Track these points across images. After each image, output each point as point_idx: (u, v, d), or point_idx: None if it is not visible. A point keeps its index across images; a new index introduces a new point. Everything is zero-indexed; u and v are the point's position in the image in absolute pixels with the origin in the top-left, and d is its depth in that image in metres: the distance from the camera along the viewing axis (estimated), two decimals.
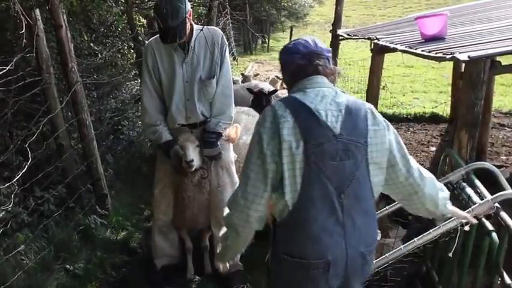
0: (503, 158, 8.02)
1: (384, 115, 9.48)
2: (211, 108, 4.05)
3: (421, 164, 7.40)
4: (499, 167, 6.33)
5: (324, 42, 2.64)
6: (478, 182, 3.42)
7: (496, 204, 2.96)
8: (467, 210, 3.01)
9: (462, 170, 3.56)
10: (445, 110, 10.44)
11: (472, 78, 4.08)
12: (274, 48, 25.60)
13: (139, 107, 7.39)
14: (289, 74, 2.55)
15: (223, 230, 2.86)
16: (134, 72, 7.83)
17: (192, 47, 3.90)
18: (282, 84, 8.97)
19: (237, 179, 4.29)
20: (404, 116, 10.37)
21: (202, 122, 4.07)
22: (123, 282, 4.38)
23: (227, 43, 4.05)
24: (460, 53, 4.23)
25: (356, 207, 2.34)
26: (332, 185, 2.29)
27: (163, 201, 4.30)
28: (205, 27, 4.02)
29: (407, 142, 8.87)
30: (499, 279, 2.88)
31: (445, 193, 2.64)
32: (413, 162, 2.50)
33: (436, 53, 4.75)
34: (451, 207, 2.66)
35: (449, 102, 10.46)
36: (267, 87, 8.19)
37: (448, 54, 4.37)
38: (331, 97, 2.38)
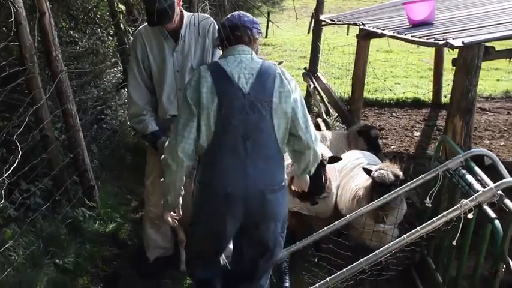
0: (487, 142, 8.08)
1: (367, 100, 9.55)
2: None
3: (406, 150, 7.51)
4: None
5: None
6: (478, 169, 3.40)
7: (500, 192, 2.94)
8: (470, 198, 2.99)
9: (461, 157, 3.54)
10: (427, 94, 10.48)
11: (466, 64, 4.07)
12: None
13: (122, 95, 7.36)
14: (220, 44, 3.10)
15: None
16: (114, 60, 7.66)
17: (182, 35, 3.80)
18: None
19: None
20: (387, 101, 10.37)
21: None
22: (115, 276, 4.31)
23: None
24: (453, 38, 4.21)
25: (258, 152, 2.94)
26: (239, 133, 2.89)
27: (154, 193, 4.21)
28: (195, 14, 3.92)
29: (392, 128, 8.89)
30: (504, 266, 2.87)
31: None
32: (311, 125, 3.04)
33: (427, 39, 4.72)
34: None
35: (431, 87, 10.54)
36: None
37: (440, 40, 4.34)
38: (247, 63, 2.95)
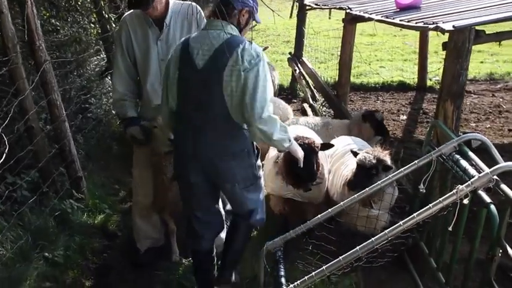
0: (473, 124, 8.11)
1: (352, 85, 9.51)
2: None
3: (393, 134, 7.49)
4: (466, 133, 6.35)
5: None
6: (472, 154, 3.39)
7: (495, 177, 2.93)
8: (466, 183, 2.97)
9: (454, 142, 3.52)
10: (412, 78, 10.48)
11: (457, 48, 4.03)
12: None
13: (106, 83, 7.23)
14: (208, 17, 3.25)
15: None
16: (97, 48, 7.52)
17: (167, 24, 3.73)
18: None
19: None
20: (373, 85, 10.35)
21: None
22: (106, 268, 4.27)
23: (205, 20, 3.75)
24: (443, 22, 4.18)
25: (208, 124, 3.18)
26: (192, 105, 3.19)
27: (142, 183, 4.17)
28: (181, 2, 3.84)
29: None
30: (500, 251, 2.86)
31: (284, 137, 3.27)
32: (263, 103, 3.08)
33: (416, 23, 4.69)
34: (290, 147, 3.40)
35: (416, 70, 10.54)
36: None
37: (430, 24, 4.32)
38: (211, 38, 3.11)
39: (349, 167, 4.37)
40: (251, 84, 3.06)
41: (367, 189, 3.66)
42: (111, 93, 7.22)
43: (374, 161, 4.02)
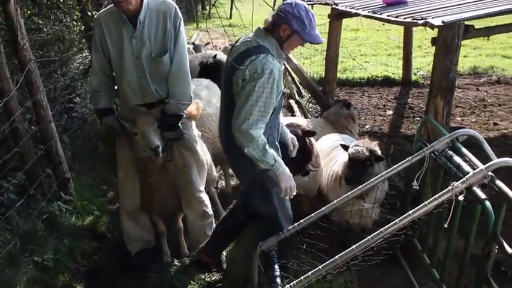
0: (458, 119, 8.15)
1: (338, 80, 9.50)
2: (168, 87, 3.80)
3: (380, 129, 7.50)
4: (455, 128, 6.37)
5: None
6: (465, 150, 3.38)
7: (490, 173, 2.92)
8: (461, 180, 2.96)
9: (447, 138, 3.51)
10: (397, 72, 10.51)
11: (446, 44, 4.02)
12: (214, 15, 25.06)
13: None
14: None
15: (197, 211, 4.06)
16: (80, 46, 7.40)
17: (141, 21, 3.62)
18: None
19: (202, 158, 4.16)
20: (358, 80, 10.37)
21: (160, 101, 3.83)
22: (97, 271, 4.21)
23: (181, 16, 3.74)
24: (432, 17, 4.17)
25: (228, 116, 3.31)
26: (222, 97, 3.56)
27: (128, 186, 4.11)
28: None
29: (364, 107, 8.89)
30: (497, 247, 2.86)
31: (260, 158, 3.23)
32: (248, 117, 3.15)
33: (404, 18, 4.69)
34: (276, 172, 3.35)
35: (400, 64, 10.58)
36: (221, 56, 7.98)
37: (418, 19, 4.31)
38: (243, 44, 3.32)
39: (339, 161, 4.38)
40: (244, 95, 3.18)
41: (361, 186, 3.64)
42: None
43: (367, 153, 4.04)
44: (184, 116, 3.88)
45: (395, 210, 4.81)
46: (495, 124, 7.88)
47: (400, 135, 7.51)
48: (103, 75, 3.83)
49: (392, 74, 10.53)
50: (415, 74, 10.35)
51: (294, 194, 3.50)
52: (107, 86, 3.88)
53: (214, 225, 4.26)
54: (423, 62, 11.37)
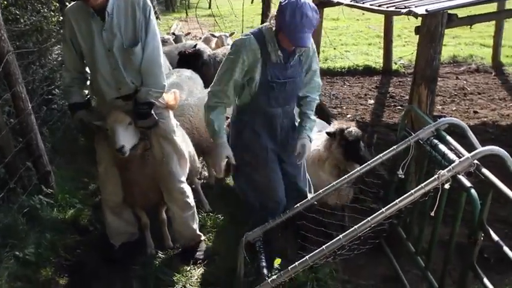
0: (439, 107, 8.20)
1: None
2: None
3: (361, 118, 7.53)
4: (437, 116, 6.43)
5: None
6: (450, 139, 3.39)
7: (476, 161, 2.93)
8: (447, 168, 2.97)
9: (432, 127, 3.51)
10: (377, 61, 10.54)
11: (430, 32, 4.04)
12: (193, 4, 24.86)
13: None
14: None
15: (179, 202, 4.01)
16: (59, 37, 7.28)
17: (109, 13, 3.55)
18: (216, 43, 8.67)
19: (181, 148, 4.10)
20: (339, 69, 10.37)
21: (136, 92, 3.75)
22: (80, 265, 4.15)
23: (151, 5, 3.68)
24: (415, 6, 4.17)
25: None
26: None
27: (109, 181, 4.05)
28: None
29: (345, 96, 8.91)
30: (482, 235, 2.87)
31: None
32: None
33: (387, 7, 4.68)
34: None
35: (380, 54, 10.62)
36: (202, 47, 7.92)
37: (402, 8, 4.31)
38: None
39: (314, 144, 4.39)
40: None
41: (352, 172, 3.63)
42: None
43: (360, 131, 4.14)
44: (161, 105, 3.86)
45: (378, 198, 4.84)
46: (475, 112, 7.95)
47: (381, 124, 7.53)
48: (75, 71, 3.78)
49: (373, 63, 10.55)
50: (396, 63, 10.39)
51: (219, 175, 3.84)
52: (79, 81, 3.83)
53: (196, 216, 4.26)
54: (403, 51, 11.42)
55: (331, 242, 3.02)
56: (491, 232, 2.80)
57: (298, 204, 3.62)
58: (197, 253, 4.19)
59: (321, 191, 3.61)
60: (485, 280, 2.84)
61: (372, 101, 8.61)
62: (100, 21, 3.55)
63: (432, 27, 3.99)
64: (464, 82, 9.56)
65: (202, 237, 4.32)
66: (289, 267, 3.06)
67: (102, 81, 3.68)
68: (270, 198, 3.82)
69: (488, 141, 6.09)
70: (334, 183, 3.62)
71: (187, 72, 5.97)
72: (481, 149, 2.96)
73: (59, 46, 7.34)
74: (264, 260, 3.71)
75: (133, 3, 3.57)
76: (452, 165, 2.96)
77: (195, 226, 4.24)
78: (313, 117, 3.76)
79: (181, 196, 4.10)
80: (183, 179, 4.14)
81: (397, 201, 2.99)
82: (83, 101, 3.88)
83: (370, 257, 4.16)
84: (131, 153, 3.71)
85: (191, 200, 4.19)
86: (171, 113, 4.05)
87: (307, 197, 3.77)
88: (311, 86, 3.71)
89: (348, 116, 7.84)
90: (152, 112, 3.76)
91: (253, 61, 3.43)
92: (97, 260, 4.18)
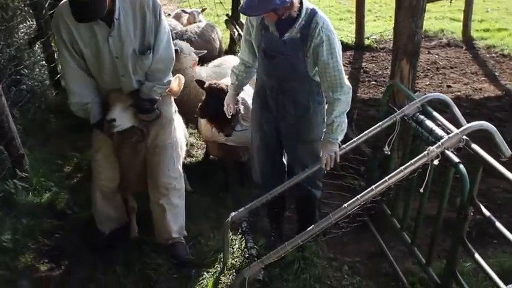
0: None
1: None
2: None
3: None
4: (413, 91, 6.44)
5: None
6: (437, 114, 3.37)
7: (465, 137, 2.92)
8: (436, 144, 2.96)
9: (418, 103, 3.50)
10: (349, 36, 10.50)
11: (411, 7, 3.98)
12: None
13: (36, 52, 6.78)
14: None
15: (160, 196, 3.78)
16: (23, 14, 7.02)
17: (117, 18, 3.25)
18: (188, 19, 8.49)
19: (177, 140, 3.88)
20: None
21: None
22: (60, 250, 4.03)
23: (159, 3, 3.41)
24: None
25: None
26: None
27: (105, 167, 3.83)
28: None
29: None
30: (472, 210, 2.88)
31: None
32: None
33: None
34: None
35: (352, 29, 10.58)
36: (173, 23, 7.75)
37: None
38: None
39: None
40: None
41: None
42: (43, 62, 6.83)
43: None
44: (164, 92, 3.66)
45: (360, 175, 4.84)
46: (448, 87, 8.01)
47: (357, 99, 7.51)
48: (84, 73, 3.47)
49: (346, 38, 10.50)
50: (368, 38, 10.37)
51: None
52: (92, 91, 3.53)
53: (180, 219, 3.97)
54: (374, 25, 11.40)
55: (321, 220, 3.00)
56: (482, 207, 2.80)
57: (285, 183, 3.58)
58: (177, 250, 3.87)
59: (308, 168, 3.56)
60: (477, 255, 2.86)
61: (346, 77, 8.56)
62: (106, 26, 3.26)
63: (414, 2, 3.93)
64: (436, 56, 9.60)
65: (182, 241, 3.95)
66: (279, 247, 3.03)
67: (106, 85, 3.52)
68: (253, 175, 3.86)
69: (463, 116, 6.13)
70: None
71: None
72: (470, 124, 2.96)
73: (25, 25, 7.11)
74: (251, 240, 3.69)
75: (142, 5, 3.30)
76: (442, 141, 2.95)
77: (175, 228, 3.91)
78: (333, 119, 3.36)
79: (165, 192, 3.83)
80: (175, 174, 3.86)
81: (386, 178, 2.98)
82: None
83: (354, 234, 4.18)
84: (125, 137, 3.60)
85: (176, 199, 3.90)
86: (172, 99, 3.87)
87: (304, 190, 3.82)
88: (327, 82, 3.37)
89: None
90: (155, 107, 3.59)
91: (256, 25, 3.47)
92: (77, 245, 4.07)
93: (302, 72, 3.41)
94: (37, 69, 6.68)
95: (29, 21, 7.11)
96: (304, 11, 3.27)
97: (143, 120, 3.60)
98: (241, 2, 9.70)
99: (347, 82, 3.40)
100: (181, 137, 4.08)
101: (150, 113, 3.58)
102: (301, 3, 3.26)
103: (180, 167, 3.94)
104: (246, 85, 3.96)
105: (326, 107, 3.51)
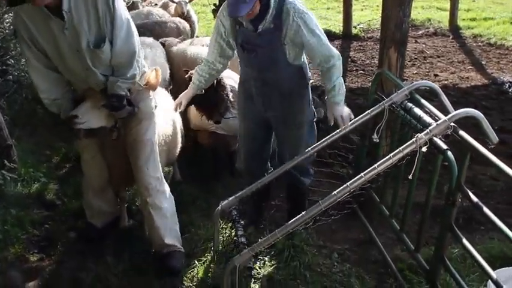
0: None
1: None
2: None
3: (324, 83, 7.49)
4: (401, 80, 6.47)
5: None
6: (425, 102, 3.40)
7: (452, 124, 2.95)
8: (425, 131, 2.98)
9: (406, 90, 3.52)
10: (336, 25, 10.52)
11: None
12: None
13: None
14: None
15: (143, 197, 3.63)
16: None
17: (66, 11, 3.08)
18: (175, 9, 8.43)
19: (155, 136, 3.68)
20: None
21: None
22: (49, 240, 4.01)
23: None
24: None
25: None
26: None
27: (95, 166, 3.78)
28: None
29: (307, 61, 8.85)
30: (460, 197, 2.91)
31: None
32: None
33: None
34: None
35: (339, 18, 10.60)
36: (160, 13, 7.71)
37: None
38: None
39: None
40: None
41: (330, 135, 3.60)
42: None
43: None
44: (139, 87, 3.51)
45: (348, 163, 4.87)
46: (435, 75, 8.07)
47: (345, 88, 7.52)
48: (49, 70, 3.31)
49: (333, 27, 10.52)
50: (355, 28, 10.39)
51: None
52: (61, 86, 3.39)
53: (171, 224, 3.76)
54: (362, 15, 11.44)
55: (311, 207, 3.01)
56: (470, 193, 2.84)
57: (274, 171, 3.59)
58: (171, 263, 3.63)
59: (296, 157, 3.58)
60: (464, 240, 2.89)
61: None
62: (60, 21, 3.10)
63: None
64: (423, 46, 9.66)
65: (178, 248, 3.72)
66: (269, 235, 3.04)
67: (75, 80, 3.40)
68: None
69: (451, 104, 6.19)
70: (309, 148, 3.60)
71: (148, 40, 5.79)
72: (458, 111, 2.98)
73: (10, 14, 7.04)
74: (241, 229, 3.71)
75: None
76: (430, 128, 2.98)
77: (167, 233, 3.69)
78: (334, 84, 3.53)
79: (147, 193, 3.62)
80: (156, 174, 3.66)
81: (375, 165, 2.99)
82: None
83: (343, 222, 4.21)
84: (98, 136, 3.51)
85: (163, 203, 3.70)
86: (151, 93, 3.68)
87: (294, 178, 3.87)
88: (318, 58, 3.43)
89: (311, 81, 7.79)
90: (124, 103, 3.39)
91: (229, 23, 3.50)
92: (67, 235, 4.06)
93: (282, 61, 3.46)
94: (23, 60, 6.61)
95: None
96: (272, 1, 3.30)
97: (118, 117, 3.45)
98: None
99: (334, 49, 3.49)
100: (167, 132, 3.98)
101: (121, 109, 3.39)
102: None
103: (158, 168, 3.71)
104: (207, 87, 3.90)
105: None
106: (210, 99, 4.01)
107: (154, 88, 3.65)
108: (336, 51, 3.46)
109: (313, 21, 3.39)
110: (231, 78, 4.41)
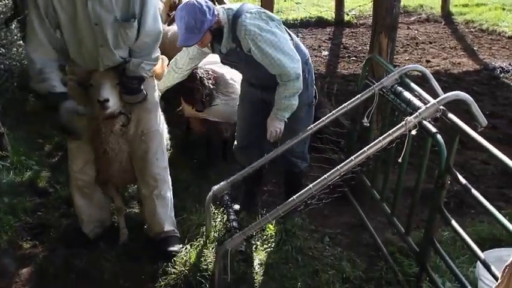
0: None
1: None
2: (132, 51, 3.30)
3: (317, 69, 7.53)
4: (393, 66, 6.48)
5: None
6: (415, 86, 3.41)
7: (442, 107, 2.97)
8: (414, 115, 3.00)
9: (396, 74, 3.53)
10: (329, 13, 10.50)
11: None
12: None
13: (13, 31, 6.68)
14: None
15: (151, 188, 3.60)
16: None
17: None
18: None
19: (162, 126, 3.69)
20: (291, 21, 10.26)
21: (120, 64, 3.29)
22: (42, 227, 4.02)
23: None
24: None
25: None
26: None
27: (80, 158, 3.55)
28: None
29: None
30: (449, 179, 2.94)
31: None
32: None
33: None
34: None
35: (331, 5, 10.58)
36: None
37: None
38: None
39: None
40: None
41: (320, 121, 3.61)
42: (20, 42, 6.73)
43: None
44: (148, 74, 3.42)
45: (340, 149, 4.89)
46: (427, 61, 8.09)
47: (337, 75, 7.56)
48: (50, 46, 3.12)
49: (325, 14, 10.50)
50: (348, 14, 10.38)
51: None
52: (54, 61, 3.18)
53: (170, 212, 3.79)
54: (354, 1, 11.40)
55: (301, 191, 3.03)
56: (459, 175, 2.86)
57: (266, 156, 3.60)
58: (169, 247, 3.63)
59: (288, 140, 3.60)
60: (453, 222, 2.92)
61: (326, 53, 8.61)
62: None
63: None
64: (416, 32, 9.67)
65: (176, 234, 3.76)
66: (260, 219, 3.06)
67: (84, 58, 3.23)
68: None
69: (442, 90, 6.20)
70: (301, 133, 3.61)
71: None
72: (446, 95, 3.00)
73: (0, 3, 6.99)
74: (232, 213, 3.72)
75: None
76: (419, 111, 2.99)
77: (167, 221, 3.73)
78: (282, 101, 3.46)
79: (155, 183, 3.62)
80: (164, 164, 3.67)
81: (365, 148, 3.01)
82: (65, 90, 3.23)
83: (334, 206, 4.24)
84: (108, 126, 3.37)
85: (167, 192, 3.72)
86: (156, 82, 3.65)
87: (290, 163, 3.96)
88: (273, 71, 3.40)
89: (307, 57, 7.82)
90: (142, 87, 3.33)
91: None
92: (60, 222, 4.07)
93: (264, 67, 3.43)
94: (14, 49, 6.58)
95: (4, 0, 7.00)
96: (225, 24, 3.34)
97: (127, 102, 3.36)
98: None
99: (295, 69, 3.37)
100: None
101: (138, 93, 3.32)
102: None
103: (165, 159, 3.72)
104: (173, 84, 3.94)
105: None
106: (185, 90, 4.08)
107: (160, 77, 3.68)
108: (295, 71, 3.36)
109: (267, 40, 3.29)
110: (213, 64, 4.37)
